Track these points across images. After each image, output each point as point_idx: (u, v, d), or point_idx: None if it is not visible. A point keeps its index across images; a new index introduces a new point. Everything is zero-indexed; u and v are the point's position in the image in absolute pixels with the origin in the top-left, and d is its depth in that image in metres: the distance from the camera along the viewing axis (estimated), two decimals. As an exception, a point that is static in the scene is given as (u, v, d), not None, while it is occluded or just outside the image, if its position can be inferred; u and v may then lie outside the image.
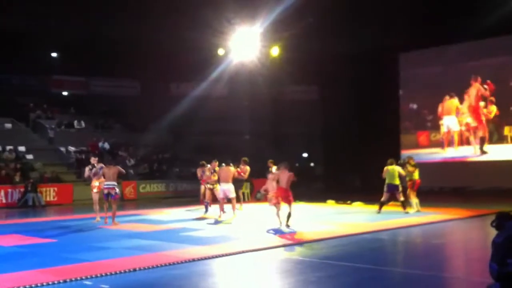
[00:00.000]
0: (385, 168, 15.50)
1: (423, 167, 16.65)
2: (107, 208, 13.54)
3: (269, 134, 31.14)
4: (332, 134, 28.48)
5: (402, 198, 15.41)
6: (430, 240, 11.25)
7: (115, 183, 13.32)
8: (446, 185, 25.35)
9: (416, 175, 15.80)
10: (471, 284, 7.29)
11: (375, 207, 15.89)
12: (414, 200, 15.78)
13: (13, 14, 23.71)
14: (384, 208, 15.54)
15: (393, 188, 15.34)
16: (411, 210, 15.48)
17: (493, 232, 5.78)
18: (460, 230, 12.67)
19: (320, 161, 31.92)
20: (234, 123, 30.50)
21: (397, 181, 15.30)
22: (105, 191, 13.29)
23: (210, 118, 29.79)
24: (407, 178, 15.98)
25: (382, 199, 15.53)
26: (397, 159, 16.49)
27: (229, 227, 12.79)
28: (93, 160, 14.56)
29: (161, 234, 11.74)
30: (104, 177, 13.44)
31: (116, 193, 13.28)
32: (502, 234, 5.42)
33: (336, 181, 26.90)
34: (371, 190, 18.77)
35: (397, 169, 15.39)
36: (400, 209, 15.43)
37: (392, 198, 15.59)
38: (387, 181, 15.44)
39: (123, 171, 13.95)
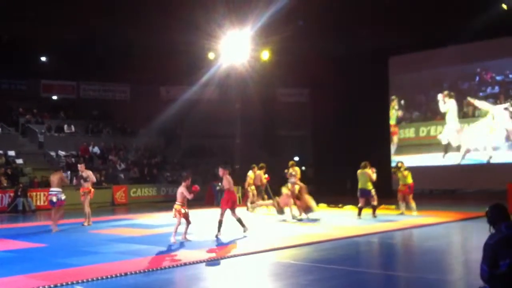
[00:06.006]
0: (358, 172, 14.95)
1: (412, 171, 16.59)
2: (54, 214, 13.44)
3: (261, 137, 31.17)
4: (322, 137, 28.53)
5: (375, 203, 14.83)
6: (421, 242, 11.31)
7: (59, 189, 13.28)
8: (437, 188, 25.49)
9: (410, 179, 15.85)
10: (462, 286, 7.33)
11: (365, 211, 15.86)
12: (413, 203, 15.79)
13: (2, 19, 23.56)
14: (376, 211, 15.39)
15: (365, 194, 14.77)
16: (413, 213, 15.54)
17: (484, 234, 5.80)
18: (451, 232, 12.72)
19: (312, 164, 31.98)
20: (225, 127, 30.49)
21: (369, 186, 14.75)
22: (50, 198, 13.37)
23: (201, 121, 29.77)
24: (401, 183, 16.02)
25: (359, 205, 14.90)
26: (388, 162, 16.36)
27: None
28: (80, 167, 14.51)
29: (151, 239, 11.71)
30: (51, 184, 13.49)
31: (58, 199, 13.20)
32: (495, 236, 5.42)
33: (327, 184, 26.93)
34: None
35: (369, 172, 14.77)
36: (385, 211, 15.39)
37: (368, 203, 14.87)
38: (359, 186, 14.87)
39: (65, 180, 13.87)
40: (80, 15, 23.24)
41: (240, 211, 17.66)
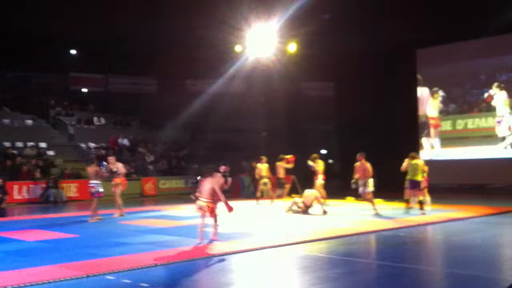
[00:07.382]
0: (407, 162, 14.63)
1: (441, 165, 16.36)
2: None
3: (286, 131, 31.06)
4: (348, 130, 28.31)
5: (421, 198, 14.54)
6: (450, 237, 11.18)
7: (98, 182, 13.88)
8: (465, 182, 25.08)
9: (424, 174, 15.51)
10: (492, 282, 7.24)
11: (394, 204, 15.72)
12: (428, 197, 15.63)
13: (32, 13, 23.99)
14: (404, 205, 15.22)
15: (415, 185, 14.54)
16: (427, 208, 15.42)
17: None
18: (480, 227, 12.54)
19: (337, 158, 31.80)
20: (250, 120, 30.52)
21: (419, 177, 14.52)
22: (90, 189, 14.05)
23: (227, 115, 29.85)
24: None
25: (406, 196, 14.69)
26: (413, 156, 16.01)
27: (247, 223, 12.83)
28: (110, 159, 14.85)
29: (181, 230, 11.86)
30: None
31: (96, 191, 13.83)
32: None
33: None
34: (389, 187, 18.60)
35: (421, 164, 14.65)
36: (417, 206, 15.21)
37: (414, 195, 14.67)
38: (408, 177, 14.62)
39: (101, 172, 14.13)
40: (108, 9, 23.53)
41: (251, 204, 17.88)
